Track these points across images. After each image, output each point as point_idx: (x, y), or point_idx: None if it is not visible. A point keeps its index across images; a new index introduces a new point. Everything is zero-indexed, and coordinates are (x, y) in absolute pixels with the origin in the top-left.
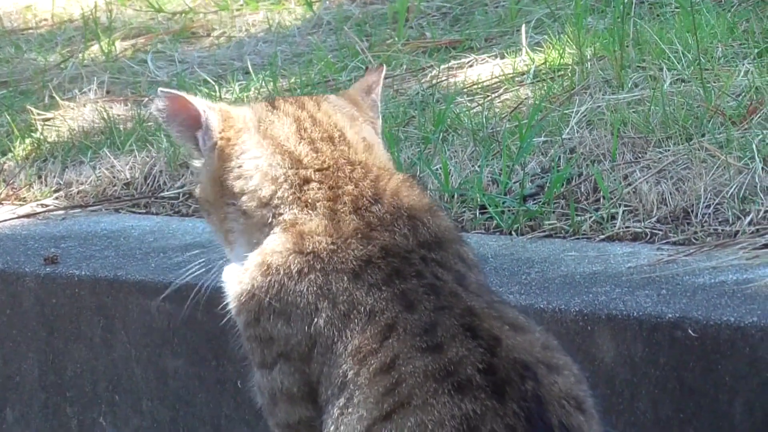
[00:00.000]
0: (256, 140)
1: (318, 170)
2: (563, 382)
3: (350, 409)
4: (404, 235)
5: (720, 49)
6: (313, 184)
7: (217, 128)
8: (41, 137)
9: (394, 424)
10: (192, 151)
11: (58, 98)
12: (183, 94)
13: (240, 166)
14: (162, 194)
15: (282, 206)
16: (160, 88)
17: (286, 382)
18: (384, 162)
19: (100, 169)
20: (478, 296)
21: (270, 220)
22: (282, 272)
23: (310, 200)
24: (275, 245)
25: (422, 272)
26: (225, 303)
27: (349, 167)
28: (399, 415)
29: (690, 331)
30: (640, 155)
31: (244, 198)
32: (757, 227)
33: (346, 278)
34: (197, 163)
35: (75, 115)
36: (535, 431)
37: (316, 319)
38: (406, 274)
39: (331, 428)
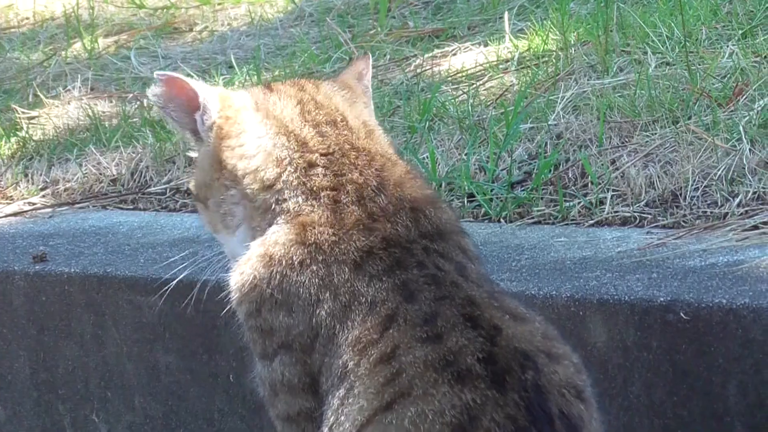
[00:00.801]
0: (258, 119)
1: (323, 155)
2: (563, 372)
3: (350, 400)
4: (406, 226)
5: (704, 31)
6: (319, 170)
7: (216, 107)
8: (27, 135)
9: (395, 414)
10: (189, 137)
11: (42, 96)
12: (180, 75)
13: (242, 145)
14: (149, 190)
15: (286, 191)
16: (156, 72)
17: (287, 373)
18: (385, 148)
19: (86, 166)
20: (479, 286)
21: (273, 206)
22: (284, 263)
23: (314, 188)
24: (278, 236)
25: (423, 262)
26: (219, 296)
27: (354, 153)
28: (399, 405)
29: (682, 314)
30: (627, 139)
31: (246, 180)
32: (745, 209)
33: (347, 269)
34: (194, 153)
35: (60, 112)
36: (535, 420)
37: (318, 310)
38: (407, 264)
39: (332, 419)
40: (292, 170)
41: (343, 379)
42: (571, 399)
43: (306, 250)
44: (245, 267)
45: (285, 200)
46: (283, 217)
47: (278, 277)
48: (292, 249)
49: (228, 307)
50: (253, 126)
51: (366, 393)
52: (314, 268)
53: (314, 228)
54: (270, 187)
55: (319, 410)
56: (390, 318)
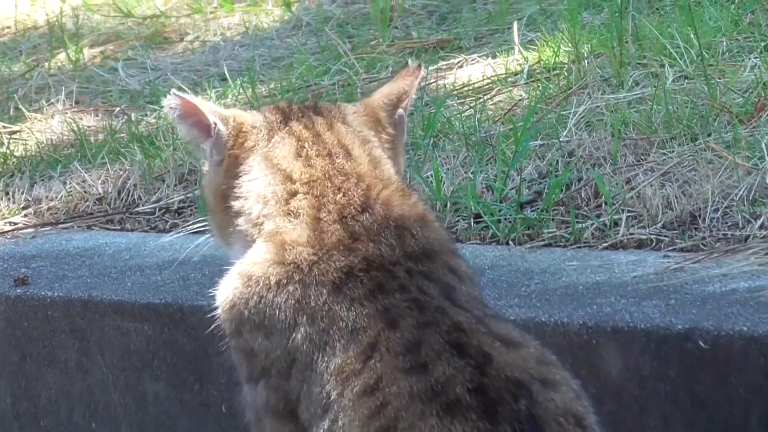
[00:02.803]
0: (257, 161)
1: (305, 183)
2: (561, 399)
3: None
4: (390, 246)
5: (724, 43)
6: (299, 196)
7: (226, 144)
8: (7, 151)
9: None
10: (200, 153)
11: (24, 110)
12: (196, 100)
13: (241, 187)
14: (137, 209)
15: (266, 221)
16: (173, 90)
17: (272, 398)
18: (385, 174)
19: (70, 183)
20: (467, 311)
21: (255, 236)
22: (261, 283)
23: (293, 209)
24: (257, 255)
25: (406, 286)
26: (211, 321)
27: (341, 177)
28: None
29: (701, 343)
30: (642, 157)
31: (240, 219)
32: None
33: (325, 291)
34: (204, 167)
35: (43, 127)
36: None
37: (294, 334)
38: (388, 288)
39: None
40: (274, 203)
41: (326, 410)
42: (570, 427)
43: (283, 270)
44: (228, 284)
45: (264, 226)
46: (263, 236)
47: (255, 297)
48: (270, 268)
49: (219, 331)
50: (253, 168)
51: (351, 426)
52: (291, 288)
53: (293, 247)
54: (255, 223)
55: None
56: (372, 346)
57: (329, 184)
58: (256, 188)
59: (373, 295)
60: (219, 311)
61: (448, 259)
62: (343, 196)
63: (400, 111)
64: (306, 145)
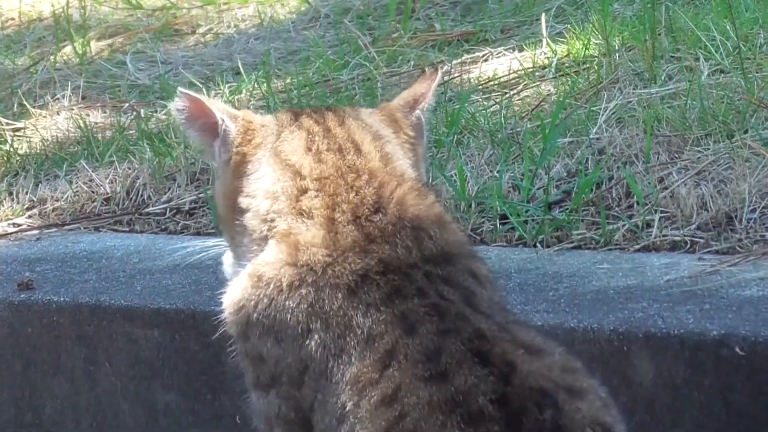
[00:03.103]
0: (266, 158)
1: (316, 179)
2: (588, 408)
3: None
4: (407, 248)
5: (762, 35)
6: (311, 193)
7: (234, 141)
8: (11, 149)
9: None
10: (209, 156)
11: (28, 106)
12: (203, 97)
13: (250, 185)
14: (146, 210)
15: (277, 218)
16: (179, 89)
17: (284, 407)
18: (401, 172)
19: (77, 183)
20: (489, 317)
21: (266, 233)
22: (272, 285)
23: (305, 208)
24: (269, 256)
25: (425, 290)
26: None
27: (352, 175)
28: None
29: (737, 350)
30: (676, 155)
31: (248, 215)
32: None
33: (340, 295)
34: (216, 167)
35: (48, 124)
36: None
37: (307, 341)
38: (406, 292)
39: None
40: (284, 199)
41: (342, 420)
42: None
43: (296, 272)
44: (236, 285)
45: (276, 225)
46: (276, 237)
47: (266, 300)
48: (282, 269)
49: (226, 335)
50: (262, 165)
51: None
52: (304, 291)
53: (307, 248)
54: (264, 219)
55: None
56: (389, 354)
57: (342, 182)
58: (264, 185)
59: (390, 299)
60: (225, 313)
61: (468, 262)
62: (356, 195)
63: (417, 112)
64: (316, 138)
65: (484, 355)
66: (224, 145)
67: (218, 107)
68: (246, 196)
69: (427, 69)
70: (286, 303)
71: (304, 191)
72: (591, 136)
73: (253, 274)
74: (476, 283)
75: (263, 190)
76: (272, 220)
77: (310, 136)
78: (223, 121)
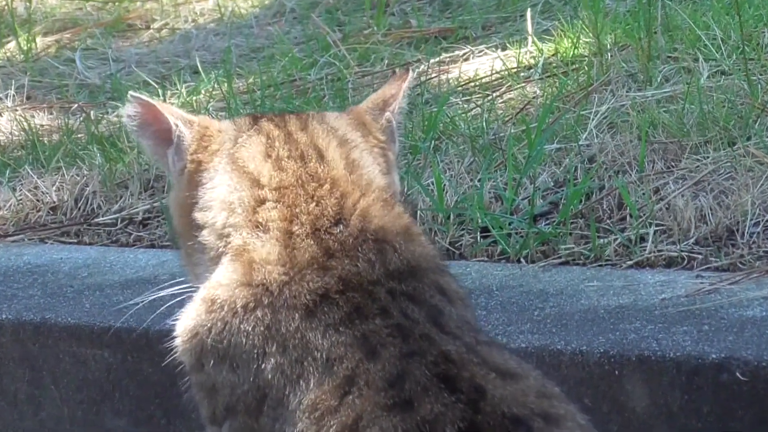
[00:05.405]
0: (222, 165)
1: (275, 189)
2: None
3: None
4: (369, 262)
5: (766, 34)
6: (268, 204)
7: (189, 149)
8: None
9: None
10: (165, 167)
11: None
12: (156, 102)
13: (204, 195)
14: (96, 220)
15: (233, 233)
16: (130, 92)
17: None
18: (366, 181)
19: (21, 190)
20: (457, 338)
21: (221, 250)
22: (226, 308)
23: (261, 221)
24: (222, 276)
25: (388, 309)
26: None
27: (314, 184)
28: None
29: (738, 374)
30: (673, 164)
31: (204, 232)
32: None
33: (297, 316)
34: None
35: None
36: None
37: (263, 366)
38: (368, 312)
39: None
40: (240, 211)
41: None
42: None
43: (251, 292)
44: (190, 311)
45: (231, 240)
46: (229, 254)
47: (219, 324)
48: (236, 291)
49: (180, 366)
50: (217, 174)
51: None
52: (259, 313)
53: (263, 266)
54: (220, 234)
55: None
56: (349, 380)
57: (302, 192)
58: (220, 194)
59: (350, 320)
60: (178, 341)
61: (437, 276)
62: (317, 205)
63: (388, 114)
64: (276, 144)
65: (452, 380)
66: (178, 153)
67: (172, 112)
68: (201, 209)
69: (398, 70)
70: (241, 326)
71: (261, 202)
72: (580, 143)
73: (206, 298)
74: (444, 301)
75: (219, 200)
76: (228, 235)
77: (270, 141)
78: (177, 126)
